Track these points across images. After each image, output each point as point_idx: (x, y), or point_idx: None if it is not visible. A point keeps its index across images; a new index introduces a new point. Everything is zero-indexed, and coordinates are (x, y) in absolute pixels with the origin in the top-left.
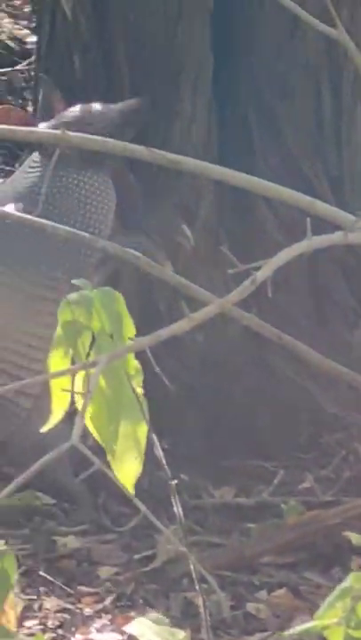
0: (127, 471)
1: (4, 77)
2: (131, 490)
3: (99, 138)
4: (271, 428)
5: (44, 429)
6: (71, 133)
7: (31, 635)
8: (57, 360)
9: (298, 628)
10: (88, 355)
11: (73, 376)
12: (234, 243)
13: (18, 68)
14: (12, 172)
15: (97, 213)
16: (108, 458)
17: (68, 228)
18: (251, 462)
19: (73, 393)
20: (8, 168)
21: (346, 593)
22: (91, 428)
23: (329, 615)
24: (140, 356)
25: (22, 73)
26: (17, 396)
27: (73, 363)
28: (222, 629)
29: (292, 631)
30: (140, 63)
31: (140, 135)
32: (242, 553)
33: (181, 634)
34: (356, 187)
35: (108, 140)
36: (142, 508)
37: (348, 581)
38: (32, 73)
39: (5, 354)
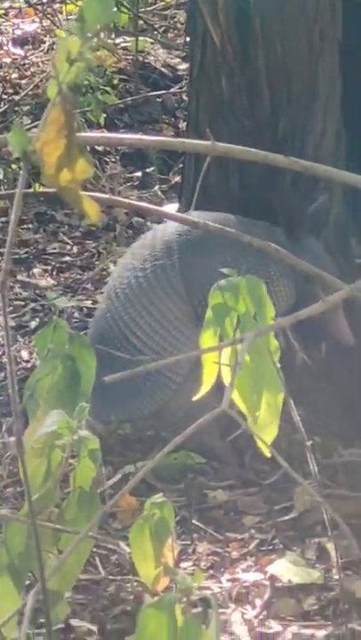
0: (267, 434)
1: (159, 99)
2: (268, 450)
3: (243, 148)
4: None
5: (195, 398)
6: (220, 144)
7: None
8: (207, 338)
9: None
10: (235, 333)
11: (220, 352)
12: None
13: (171, 91)
14: (166, 180)
15: None
16: (250, 423)
17: (223, 227)
18: None
19: (220, 366)
20: (163, 177)
21: None
22: (236, 397)
23: None
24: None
25: (175, 95)
26: (170, 372)
27: (221, 340)
28: (352, 570)
29: None
30: (280, 87)
31: (279, 148)
32: None
33: (316, 574)
34: None
35: (251, 149)
36: (284, 464)
37: None
38: (183, 96)
39: (161, 340)
